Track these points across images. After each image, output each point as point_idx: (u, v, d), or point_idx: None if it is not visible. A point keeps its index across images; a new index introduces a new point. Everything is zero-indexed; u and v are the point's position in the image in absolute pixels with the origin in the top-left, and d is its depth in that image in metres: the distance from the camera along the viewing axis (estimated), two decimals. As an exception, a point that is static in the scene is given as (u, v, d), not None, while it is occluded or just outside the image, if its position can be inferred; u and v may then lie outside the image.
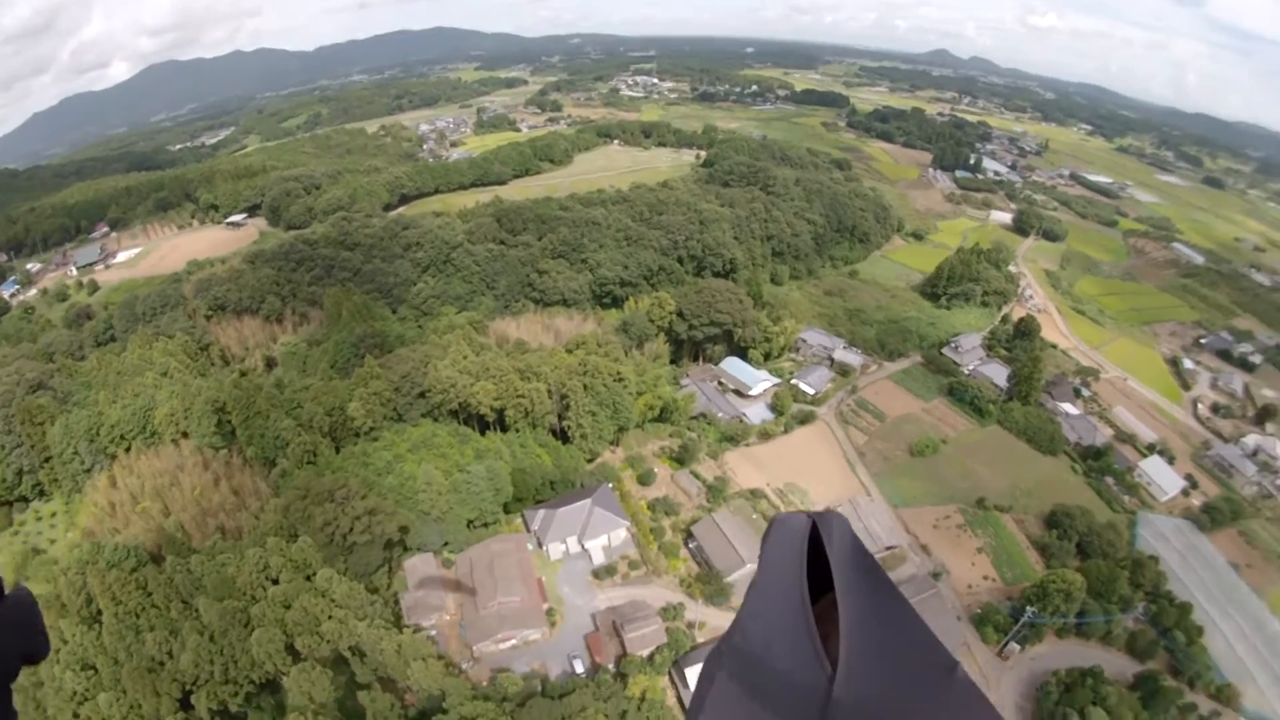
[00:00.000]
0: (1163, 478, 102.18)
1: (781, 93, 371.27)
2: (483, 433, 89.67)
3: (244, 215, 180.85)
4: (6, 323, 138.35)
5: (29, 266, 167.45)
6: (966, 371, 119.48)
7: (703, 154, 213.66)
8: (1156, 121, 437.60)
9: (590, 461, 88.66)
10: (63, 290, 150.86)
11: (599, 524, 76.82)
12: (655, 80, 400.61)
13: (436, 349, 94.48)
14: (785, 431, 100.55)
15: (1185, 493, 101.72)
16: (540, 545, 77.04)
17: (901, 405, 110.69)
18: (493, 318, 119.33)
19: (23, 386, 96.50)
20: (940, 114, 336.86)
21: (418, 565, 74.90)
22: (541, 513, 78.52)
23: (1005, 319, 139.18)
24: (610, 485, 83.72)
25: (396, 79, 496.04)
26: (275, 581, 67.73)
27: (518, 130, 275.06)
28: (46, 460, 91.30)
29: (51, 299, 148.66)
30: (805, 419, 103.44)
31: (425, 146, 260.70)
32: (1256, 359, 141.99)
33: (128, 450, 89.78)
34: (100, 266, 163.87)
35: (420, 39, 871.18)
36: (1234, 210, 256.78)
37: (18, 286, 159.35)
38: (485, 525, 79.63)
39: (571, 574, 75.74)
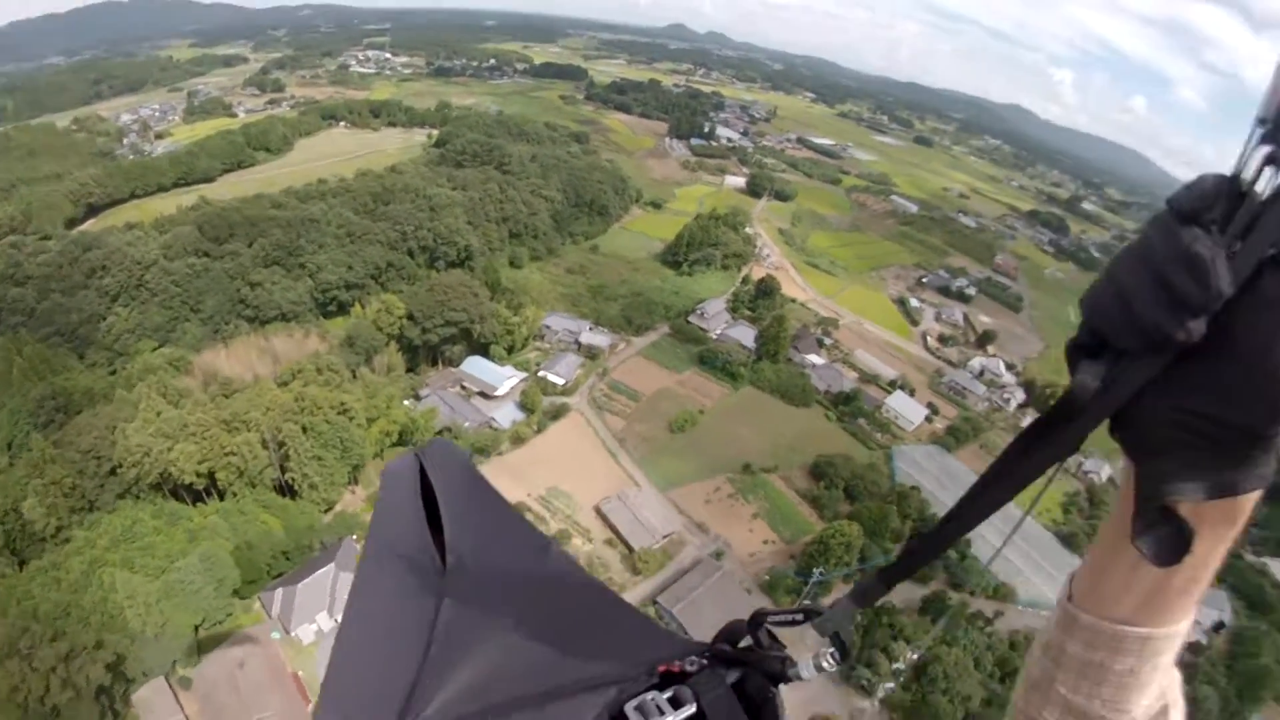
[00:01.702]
0: (907, 410, 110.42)
1: (520, 66, 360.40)
2: (196, 503, 75.16)
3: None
4: None
5: None
6: (715, 337, 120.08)
7: (435, 133, 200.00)
8: (873, 89, 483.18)
9: (328, 511, 77.11)
10: None
11: (348, 590, 68.56)
12: (389, 55, 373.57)
13: (126, 407, 77.13)
14: (539, 431, 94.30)
15: (929, 419, 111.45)
16: (287, 631, 65.11)
17: (655, 381, 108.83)
18: (200, 348, 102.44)
19: None
20: (676, 85, 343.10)
21: (150, 699, 60.15)
22: (280, 592, 66.08)
23: (746, 280, 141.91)
24: (354, 537, 72.88)
25: (98, 60, 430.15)
26: None
27: (234, 115, 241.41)
28: None
29: None
30: (558, 413, 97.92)
31: (126, 140, 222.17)
32: (971, 291, 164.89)
33: None
34: None
35: (129, 11, 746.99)
36: (941, 165, 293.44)
37: None
38: (220, 623, 65.92)
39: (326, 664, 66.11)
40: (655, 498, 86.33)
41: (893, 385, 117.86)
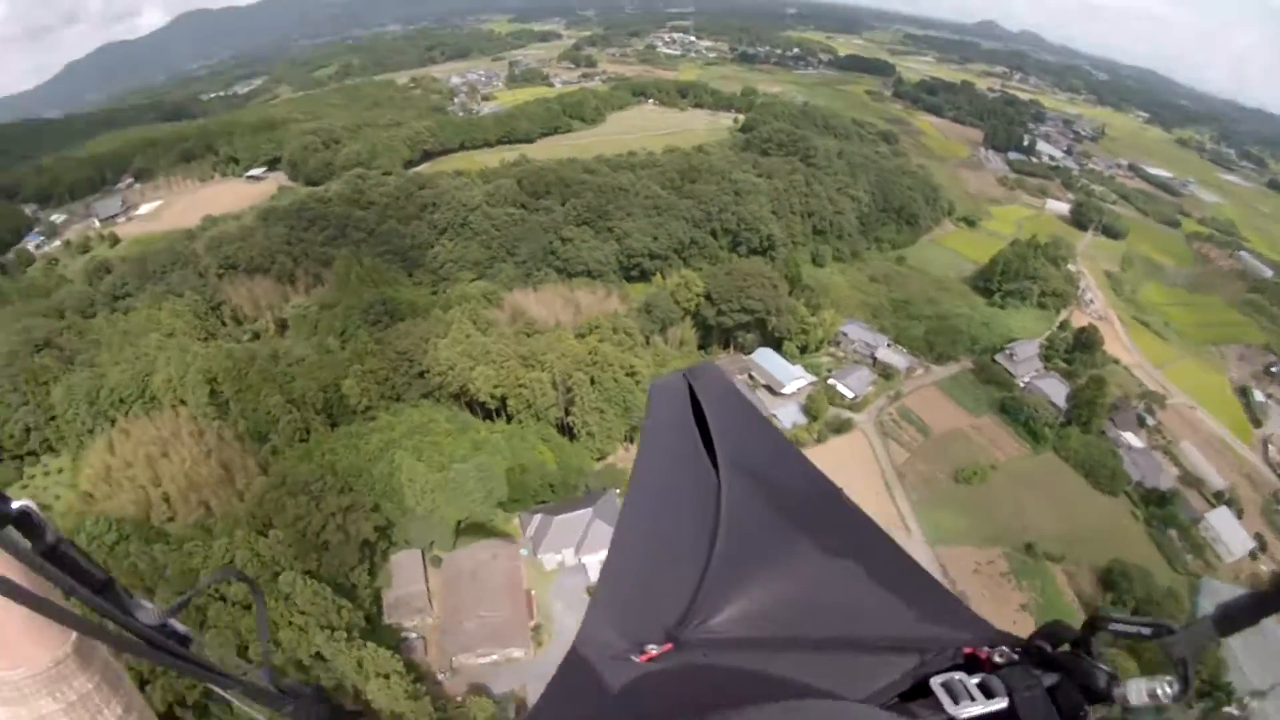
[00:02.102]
0: (1230, 535, 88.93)
1: (824, 57, 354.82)
2: (490, 418, 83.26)
3: (264, 169, 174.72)
4: (32, 274, 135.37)
5: (54, 218, 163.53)
6: (1021, 385, 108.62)
7: (741, 117, 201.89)
8: (1216, 113, 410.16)
9: (600, 460, 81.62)
10: (85, 243, 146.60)
11: (599, 537, 69.20)
12: (693, 38, 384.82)
13: (440, 325, 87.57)
14: (818, 440, 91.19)
15: (1253, 555, 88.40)
16: (534, 553, 70.46)
17: (948, 419, 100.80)
18: (512, 287, 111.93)
19: (29, 345, 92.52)
20: (991, 89, 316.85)
21: (404, 562, 69.41)
22: (538, 518, 71.75)
23: (1064, 325, 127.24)
24: (617, 492, 76.10)
25: (429, 29, 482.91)
26: (243, 578, 61.20)
27: (550, 85, 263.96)
28: (52, 419, 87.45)
29: (74, 252, 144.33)
30: (841, 427, 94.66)
31: (456, 100, 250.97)
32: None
33: (127, 414, 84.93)
34: (122, 219, 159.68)
35: None
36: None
37: (42, 238, 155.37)
38: (480, 525, 73.18)
39: (565, 589, 68.71)
40: (921, 549, 79.71)
41: (1218, 498, 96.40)
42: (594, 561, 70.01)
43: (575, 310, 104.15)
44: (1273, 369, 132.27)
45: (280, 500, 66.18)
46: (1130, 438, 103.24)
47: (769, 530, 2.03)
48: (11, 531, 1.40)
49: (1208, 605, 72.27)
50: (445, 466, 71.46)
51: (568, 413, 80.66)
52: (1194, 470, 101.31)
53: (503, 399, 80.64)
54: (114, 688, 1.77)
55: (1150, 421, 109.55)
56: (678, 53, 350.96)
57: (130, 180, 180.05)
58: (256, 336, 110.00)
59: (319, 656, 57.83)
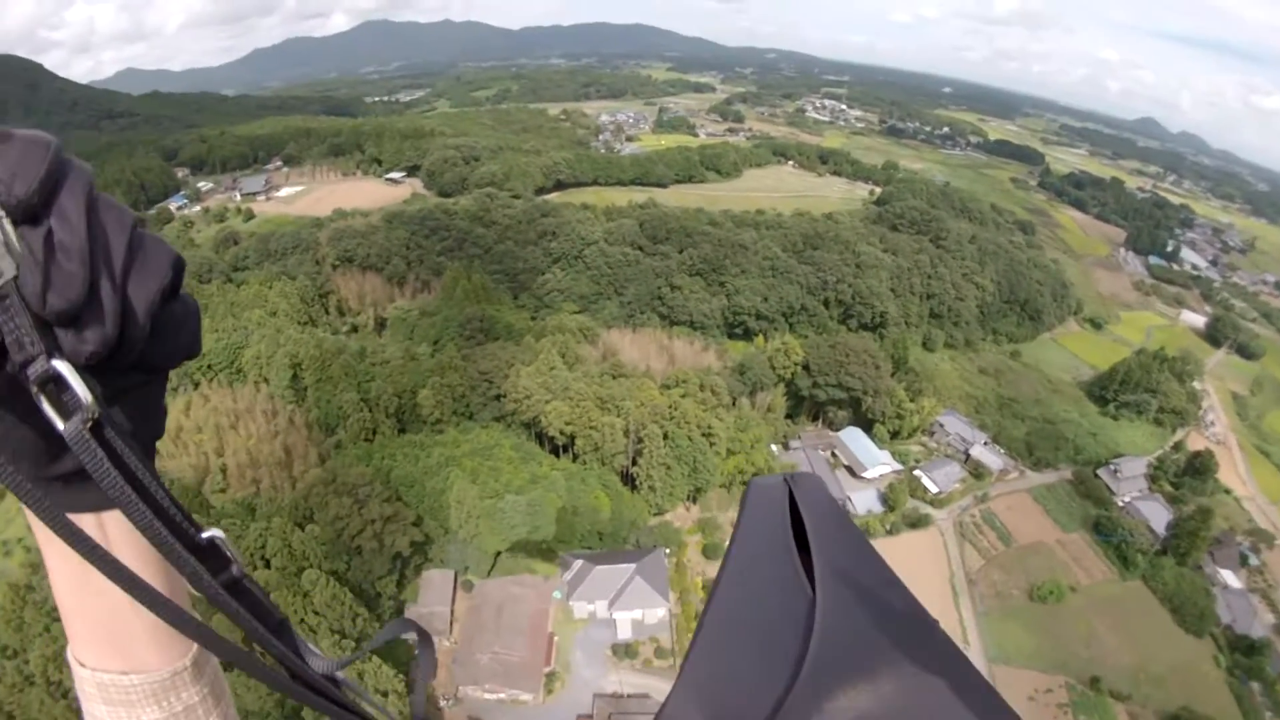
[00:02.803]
0: None
1: (974, 139, 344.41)
2: (556, 454, 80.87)
3: (403, 174, 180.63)
4: (167, 232, 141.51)
5: (201, 185, 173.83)
6: (1120, 504, 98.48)
7: (877, 190, 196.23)
8: None
9: (657, 516, 77.75)
10: (222, 212, 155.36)
11: (636, 596, 65.89)
12: (844, 106, 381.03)
13: (527, 352, 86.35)
14: (890, 532, 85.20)
15: None
16: (568, 598, 67.30)
17: (1034, 530, 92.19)
18: (611, 326, 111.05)
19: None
20: (1141, 189, 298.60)
21: (435, 580, 67.85)
22: (579, 563, 68.48)
23: (1179, 446, 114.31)
24: (667, 551, 72.80)
25: (590, 68, 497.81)
26: (268, 565, 61.26)
27: (695, 135, 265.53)
28: None
29: (211, 219, 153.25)
30: (918, 522, 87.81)
31: (601, 136, 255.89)
32: None
33: (212, 381, 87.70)
34: (262, 197, 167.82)
35: (619, 33, 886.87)
36: None
37: (185, 201, 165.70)
38: (517, 558, 70.88)
39: (590, 640, 65.46)
40: (978, 665, 68.27)
41: None
42: (625, 618, 66.53)
43: (669, 359, 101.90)
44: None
45: (325, 497, 65.58)
46: (1229, 576, 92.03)
47: (861, 646, 1.96)
48: (199, 564, 1.44)
49: None
50: (498, 494, 69.53)
51: (634, 462, 77.38)
52: None
53: (571, 437, 78.19)
54: (217, 700, 1.77)
55: (1254, 562, 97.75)
56: (826, 119, 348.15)
57: (279, 163, 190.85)
58: (355, 330, 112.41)
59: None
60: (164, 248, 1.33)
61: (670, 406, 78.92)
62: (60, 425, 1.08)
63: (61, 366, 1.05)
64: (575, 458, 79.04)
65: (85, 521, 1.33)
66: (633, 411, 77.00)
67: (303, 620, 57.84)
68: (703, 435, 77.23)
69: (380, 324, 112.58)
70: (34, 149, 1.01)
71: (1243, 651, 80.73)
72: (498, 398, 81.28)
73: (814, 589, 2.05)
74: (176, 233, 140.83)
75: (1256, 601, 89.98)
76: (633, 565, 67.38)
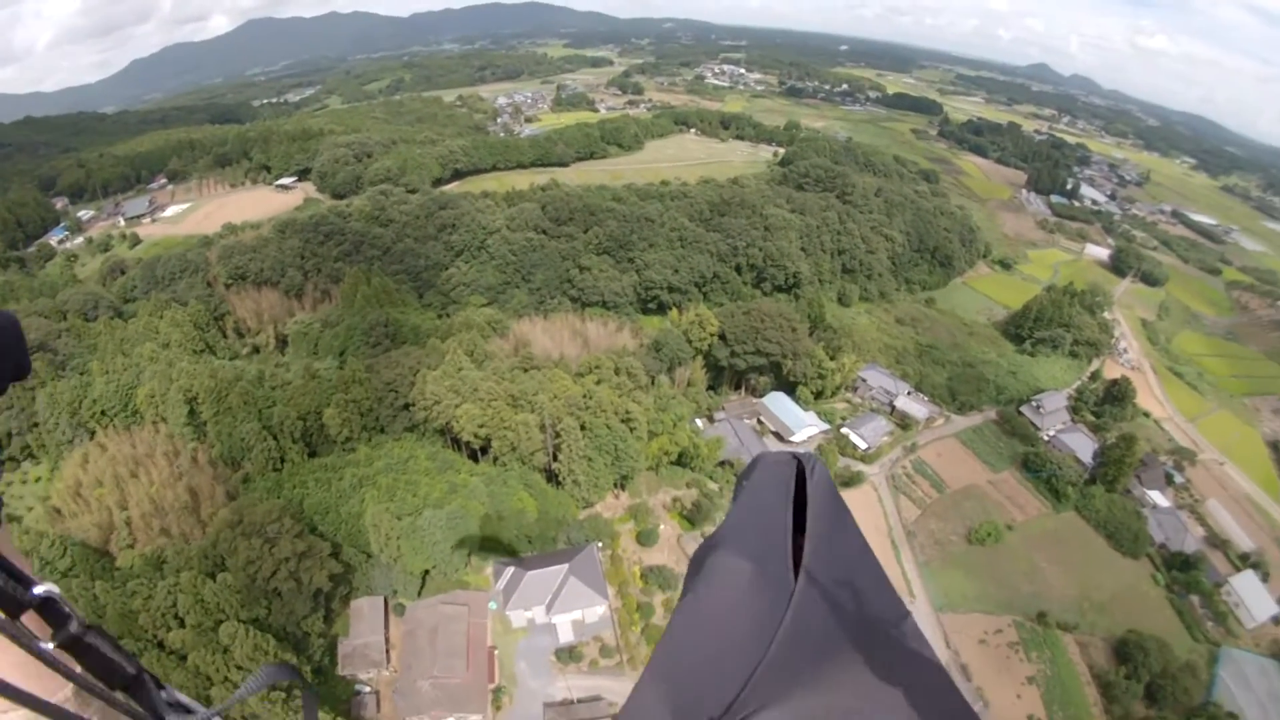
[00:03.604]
0: (1255, 600, 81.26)
1: (873, 94, 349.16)
2: (475, 458, 77.05)
3: (294, 179, 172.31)
4: (50, 269, 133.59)
5: (82, 214, 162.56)
6: (1046, 439, 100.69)
7: (781, 151, 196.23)
8: (1265, 161, 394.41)
9: (586, 509, 74.63)
10: (106, 241, 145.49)
11: (573, 596, 63.33)
12: (743, 71, 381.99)
13: (433, 355, 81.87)
14: None
15: (1277, 620, 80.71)
16: (503, 608, 64.02)
17: (966, 473, 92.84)
18: (523, 314, 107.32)
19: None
20: (1038, 131, 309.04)
21: (365, 609, 63.63)
22: (510, 570, 65.17)
23: (1095, 375, 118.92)
24: (599, 545, 69.91)
25: (484, 50, 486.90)
26: (183, 624, 56.78)
27: (595, 110, 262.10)
28: (35, 425, 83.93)
29: (95, 249, 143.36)
30: (851, 480, 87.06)
31: (499, 120, 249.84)
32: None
33: (107, 428, 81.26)
34: (147, 219, 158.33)
35: (512, 12, 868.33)
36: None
37: (66, 233, 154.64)
38: (446, 575, 66.76)
39: (532, 649, 62.68)
40: (926, 616, 72.68)
41: (1244, 560, 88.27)
42: (565, 621, 63.98)
43: (583, 343, 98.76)
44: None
45: (234, 541, 60.64)
46: (1156, 496, 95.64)
47: (831, 639, 1.99)
48: (21, 625, 1.36)
49: (1227, 676, 64.48)
50: (417, 510, 65.66)
51: (555, 458, 74.07)
52: (1221, 531, 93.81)
53: (487, 439, 74.47)
54: None
55: (1178, 479, 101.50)
56: (726, 84, 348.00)
57: (163, 181, 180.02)
58: (257, 350, 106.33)
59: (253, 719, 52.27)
60: None
61: (585, 395, 75.91)
62: None
63: None
64: (495, 460, 75.39)
65: None
66: (547, 406, 73.61)
67: (226, 678, 53.84)
68: (621, 421, 74.39)
69: (282, 341, 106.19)
70: None
71: (1178, 568, 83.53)
72: (406, 407, 77.08)
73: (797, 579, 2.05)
74: (60, 269, 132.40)
75: (1185, 517, 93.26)
76: (565, 565, 64.64)
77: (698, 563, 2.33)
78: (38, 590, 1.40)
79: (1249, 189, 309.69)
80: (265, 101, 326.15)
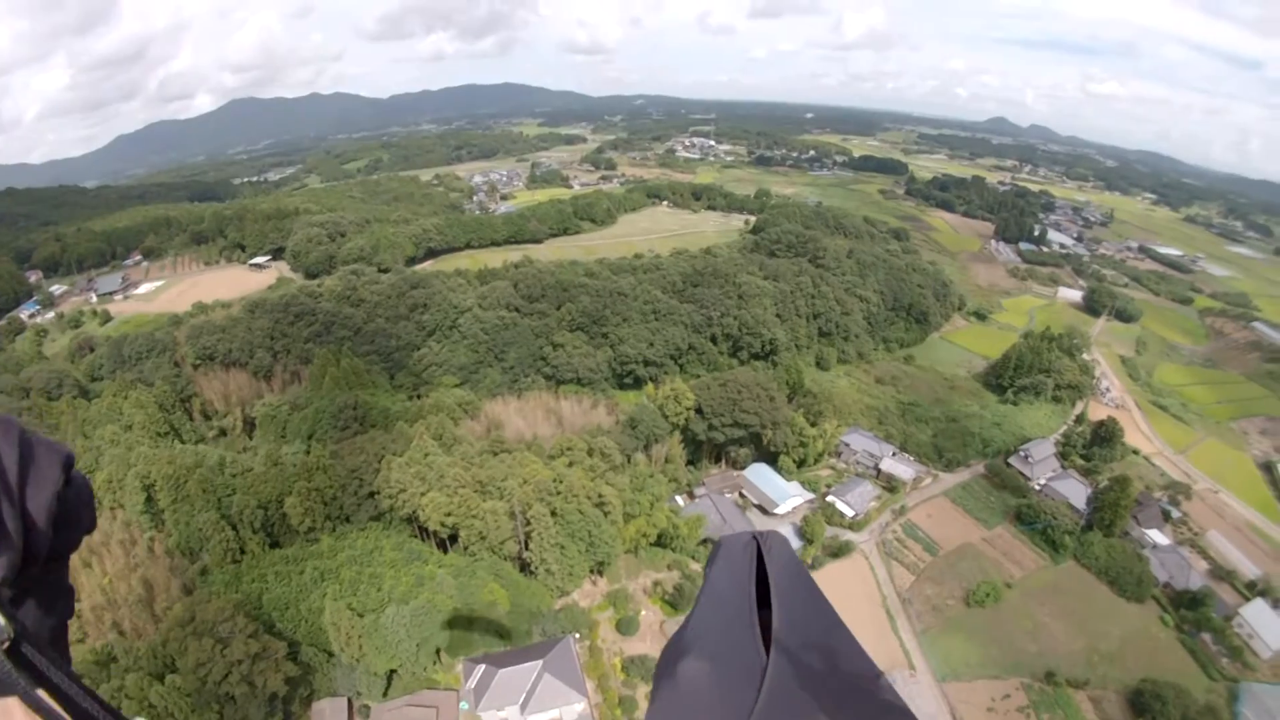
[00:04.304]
0: (1268, 628, 77.82)
1: (840, 159, 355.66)
2: (444, 547, 72.76)
3: (268, 257, 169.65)
4: (19, 344, 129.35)
5: (54, 288, 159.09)
6: (1037, 488, 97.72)
7: (752, 219, 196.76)
8: (1221, 189, 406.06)
9: (562, 597, 70.30)
10: (77, 317, 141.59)
11: (548, 694, 58.65)
12: (713, 143, 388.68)
13: (400, 440, 78.29)
14: (813, 566, 79.76)
15: None
16: (475, 708, 59.10)
17: (959, 533, 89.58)
18: (495, 394, 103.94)
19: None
20: (1001, 183, 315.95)
21: (326, 713, 58.90)
22: (482, 668, 60.62)
23: (1081, 418, 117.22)
24: (576, 637, 65.51)
25: (461, 130, 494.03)
26: None
27: (569, 187, 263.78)
28: None
29: (66, 324, 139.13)
30: (840, 550, 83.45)
31: (475, 198, 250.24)
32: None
33: None
34: (119, 296, 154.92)
35: (489, 93, 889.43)
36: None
37: (38, 308, 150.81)
38: (414, 673, 61.93)
39: None
40: (929, 688, 68.67)
41: (1252, 589, 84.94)
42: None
43: (557, 421, 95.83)
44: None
45: (184, 641, 55.97)
46: (1156, 535, 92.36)
47: (806, 704, 1.99)
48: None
49: (1250, 713, 60.29)
50: (381, 606, 61.50)
51: (526, 546, 70.13)
52: (1224, 562, 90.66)
53: (454, 528, 70.45)
54: None
55: (1175, 514, 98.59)
56: (696, 156, 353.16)
57: (138, 258, 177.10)
58: (224, 434, 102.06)
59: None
60: (51, 450, 1.32)
61: (556, 480, 72.22)
62: None
63: None
64: (465, 549, 71.19)
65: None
66: (516, 492, 69.86)
67: None
68: (595, 505, 70.80)
69: (249, 424, 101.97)
70: None
71: (1186, 606, 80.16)
72: (371, 495, 73.03)
73: (768, 651, 2.08)
74: (29, 343, 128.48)
75: (1187, 553, 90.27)
76: (539, 662, 60.19)
77: (666, 664, 2.34)
78: None
79: (1210, 217, 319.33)
80: (246, 180, 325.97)
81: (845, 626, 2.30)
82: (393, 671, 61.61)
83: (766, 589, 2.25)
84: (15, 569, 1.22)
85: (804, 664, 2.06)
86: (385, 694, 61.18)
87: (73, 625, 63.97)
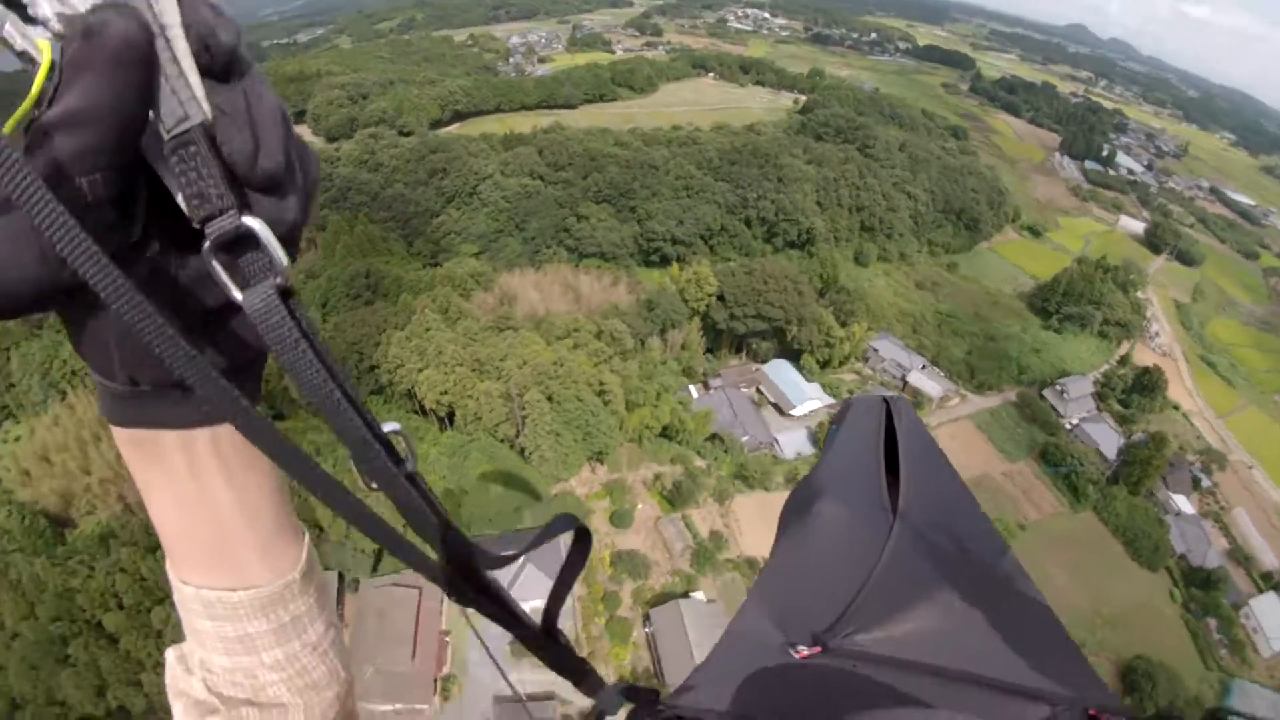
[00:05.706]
0: (1274, 626, 74.05)
1: (902, 45, 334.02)
2: (443, 426, 71.38)
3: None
4: None
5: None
6: (1068, 427, 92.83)
7: (802, 99, 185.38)
8: None
9: (557, 484, 68.62)
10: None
11: (531, 584, 56.50)
12: (767, 15, 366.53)
13: (404, 312, 75.96)
14: None
15: None
16: None
17: (979, 461, 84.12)
18: (514, 266, 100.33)
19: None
20: (1074, 94, 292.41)
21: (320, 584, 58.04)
22: None
23: (1125, 360, 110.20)
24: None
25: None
26: (121, 606, 52.09)
27: (611, 51, 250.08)
28: (11, 385, 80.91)
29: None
30: (854, 464, 79.99)
31: (511, 60, 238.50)
32: None
33: (77, 389, 76.19)
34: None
35: None
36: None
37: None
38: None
39: (487, 637, 55.34)
40: None
41: (1266, 580, 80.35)
42: (525, 610, 57.95)
43: (574, 298, 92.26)
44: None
45: (178, 514, 55.26)
46: (1181, 502, 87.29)
47: (931, 563, 2.12)
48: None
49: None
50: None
51: (521, 429, 68.09)
52: (1245, 545, 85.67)
53: (450, 407, 68.95)
54: (321, 606, 1.64)
55: (1205, 483, 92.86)
56: (749, 28, 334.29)
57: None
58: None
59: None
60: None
61: (555, 364, 69.44)
62: (238, 295, 0.95)
63: (254, 224, 0.92)
64: (463, 428, 69.88)
65: (185, 440, 1.18)
66: (513, 372, 67.53)
67: (158, 664, 48.56)
68: (596, 394, 68.36)
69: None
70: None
71: (1198, 584, 76.62)
72: (372, 369, 71.71)
73: (895, 511, 2.14)
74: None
75: (1209, 527, 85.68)
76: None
77: (796, 504, 2.40)
78: (387, 428, 1.24)
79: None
80: (275, 42, 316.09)
81: (973, 498, 2.36)
82: (380, 549, 60.56)
83: (894, 455, 2.27)
84: (302, 221, 1.13)
85: (927, 531, 2.09)
86: (374, 570, 61.23)
87: (83, 498, 65.97)
